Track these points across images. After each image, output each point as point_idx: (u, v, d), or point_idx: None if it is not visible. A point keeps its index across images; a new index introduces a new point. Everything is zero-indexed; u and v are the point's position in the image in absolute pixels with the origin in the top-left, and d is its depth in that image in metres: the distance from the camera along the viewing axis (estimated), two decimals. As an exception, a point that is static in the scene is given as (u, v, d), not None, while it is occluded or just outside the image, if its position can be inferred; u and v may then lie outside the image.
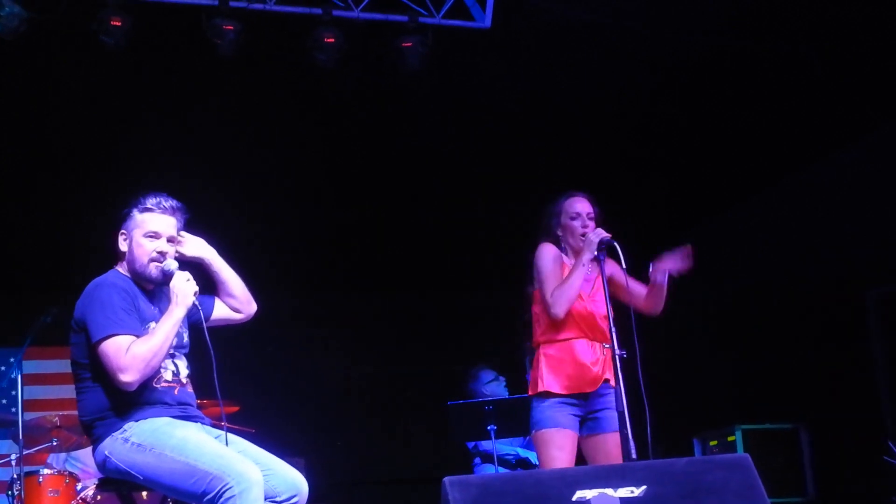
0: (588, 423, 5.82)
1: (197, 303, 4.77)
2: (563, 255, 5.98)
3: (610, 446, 5.74)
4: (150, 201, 4.90)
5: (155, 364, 4.67)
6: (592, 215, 5.96)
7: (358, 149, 9.41)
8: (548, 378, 5.81)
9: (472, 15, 8.29)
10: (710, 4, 7.96)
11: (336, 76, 8.22)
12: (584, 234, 5.86)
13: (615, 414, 5.43)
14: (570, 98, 9.01)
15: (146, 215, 4.89)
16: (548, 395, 5.78)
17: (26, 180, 9.09)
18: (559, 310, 5.77)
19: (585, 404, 5.80)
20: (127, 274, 4.88)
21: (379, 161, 9.57)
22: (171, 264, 4.85)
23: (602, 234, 5.73)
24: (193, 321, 4.95)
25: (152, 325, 4.73)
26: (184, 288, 4.74)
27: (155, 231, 4.87)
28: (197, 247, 5.03)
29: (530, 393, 5.91)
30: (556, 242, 6.00)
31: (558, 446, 5.69)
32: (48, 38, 7.66)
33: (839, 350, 8.74)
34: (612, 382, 5.65)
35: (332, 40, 7.91)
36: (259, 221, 9.90)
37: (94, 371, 4.70)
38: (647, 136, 9.34)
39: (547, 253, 5.92)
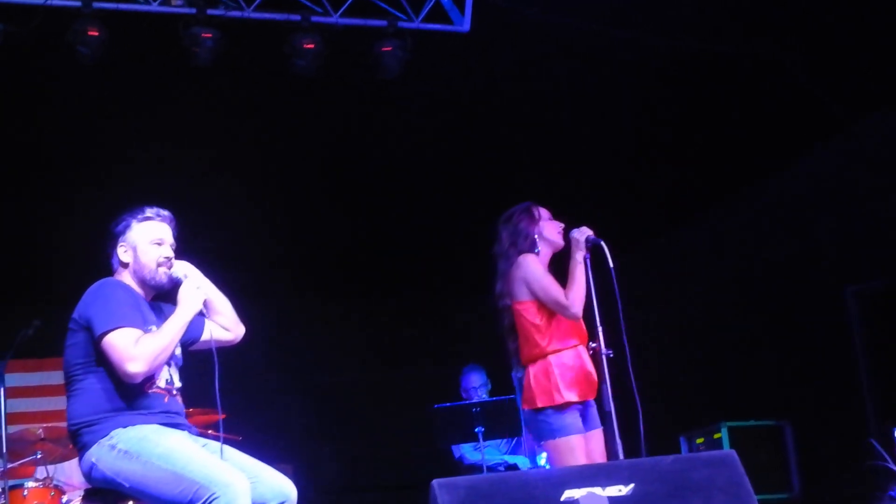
0: (585, 422, 5.84)
1: (205, 310, 4.86)
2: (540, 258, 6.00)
3: (592, 444, 5.76)
4: (148, 211, 4.97)
5: (161, 361, 4.70)
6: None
7: (340, 154, 9.40)
8: (565, 388, 5.77)
9: (451, 19, 8.30)
10: (685, 7, 7.99)
11: (316, 82, 8.22)
12: (563, 231, 5.88)
13: (596, 411, 5.45)
14: (549, 101, 9.02)
15: (147, 224, 4.94)
16: (567, 405, 5.77)
17: (8, 192, 9.05)
18: (577, 310, 5.79)
19: (585, 404, 5.84)
20: (127, 283, 4.89)
21: (360, 166, 9.57)
22: (179, 271, 4.90)
23: (587, 232, 5.76)
24: (187, 339, 4.97)
25: (153, 328, 4.75)
26: (193, 294, 4.80)
27: (160, 238, 4.93)
28: (184, 268, 5.01)
29: (541, 404, 5.80)
30: (530, 249, 5.99)
31: (580, 452, 5.68)
32: (24, 50, 7.64)
33: (823, 347, 8.76)
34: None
35: (312, 46, 7.91)
36: (240, 229, 9.88)
37: (92, 372, 4.70)
38: (626, 139, 9.35)
39: (534, 262, 5.91)
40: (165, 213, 5.01)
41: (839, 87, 8.34)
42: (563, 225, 5.95)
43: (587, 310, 5.79)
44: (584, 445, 5.73)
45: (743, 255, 9.72)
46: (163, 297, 5.05)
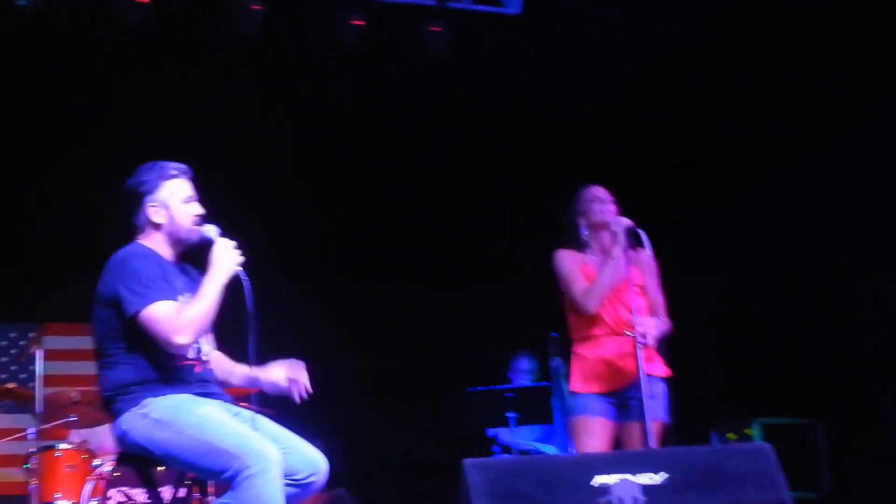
0: (624, 410, 5.82)
1: (244, 274, 4.73)
2: (582, 254, 5.99)
3: (627, 434, 5.75)
4: (172, 168, 4.88)
5: (205, 327, 4.69)
6: (608, 201, 5.97)
7: (374, 135, 9.38)
8: (577, 379, 5.86)
9: (501, 1, 8.26)
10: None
11: (359, 60, 8.20)
12: (604, 220, 5.86)
13: (652, 402, 5.46)
14: (593, 90, 8.99)
15: (175, 182, 4.86)
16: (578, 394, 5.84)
17: (43, 155, 9.09)
18: (592, 306, 5.80)
19: (621, 393, 5.80)
20: (150, 245, 4.84)
21: (393, 149, 9.54)
22: (210, 230, 4.83)
23: (625, 222, 5.73)
24: None
25: (181, 298, 4.70)
26: (228, 256, 4.71)
27: (190, 195, 4.87)
28: (213, 230, 4.91)
29: (568, 389, 6.00)
30: (574, 240, 6.01)
31: (591, 434, 5.72)
32: (68, 15, 7.66)
33: (859, 346, 8.70)
34: (654, 372, 5.70)
35: (360, 23, 7.90)
36: (280, 211, 9.89)
37: (122, 345, 4.67)
38: (666, 128, 9.31)
39: (562, 258, 5.97)
40: (186, 167, 4.92)
41: (862, 79, 8.27)
42: (605, 211, 5.91)
43: (623, 300, 5.76)
44: (597, 429, 5.74)
45: (777, 247, 9.65)
46: (186, 258, 4.98)
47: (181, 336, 4.54)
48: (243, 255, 4.74)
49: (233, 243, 4.75)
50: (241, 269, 4.72)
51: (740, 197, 9.92)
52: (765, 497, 3.98)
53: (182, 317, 4.55)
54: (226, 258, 4.69)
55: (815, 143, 8.94)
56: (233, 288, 4.71)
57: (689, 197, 9.92)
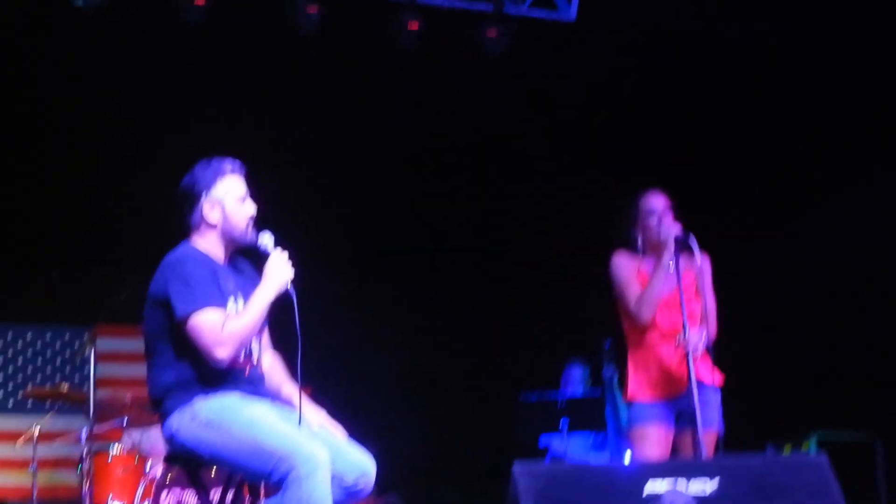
0: (682, 418, 5.74)
1: (291, 288, 4.69)
2: (639, 259, 5.93)
3: (683, 442, 5.70)
4: (227, 165, 4.86)
5: (247, 342, 4.66)
6: (666, 210, 5.88)
7: (430, 138, 9.36)
8: (634, 386, 5.80)
9: (556, 5, 8.23)
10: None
11: (415, 63, 8.20)
12: (657, 234, 5.80)
13: (707, 411, 5.40)
14: (646, 99, 8.94)
15: (230, 180, 4.83)
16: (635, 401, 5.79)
17: (97, 157, 9.14)
18: (645, 316, 5.75)
19: (677, 401, 5.72)
20: (204, 245, 4.82)
21: (451, 149, 9.51)
22: (266, 239, 4.79)
23: (675, 230, 5.67)
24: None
25: (231, 301, 4.69)
26: (280, 270, 4.67)
27: (244, 194, 4.85)
28: (267, 238, 4.86)
29: (624, 398, 5.98)
30: (631, 245, 5.96)
31: (651, 442, 5.67)
32: (126, 14, 7.70)
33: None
34: (707, 380, 5.63)
35: (416, 27, 7.89)
36: (333, 209, 9.89)
37: (170, 345, 4.65)
38: (724, 137, 9.23)
39: (619, 263, 5.92)
40: (240, 164, 4.89)
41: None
42: (658, 226, 5.84)
43: (675, 309, 5.70)
44: (656, 438, 5.67)
45: (838, 260, 9.54)
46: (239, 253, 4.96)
47: (222, 349, 4.52)
48: (295, 266, 4.71)
49: (286, 255, 4.72)
50: (291, 285, 4.68)
51: (812, 209, 9.81)
52: (820, 508, 3.91)
53: (225, 330, 4.52)
54: (278, 272, 4.66)
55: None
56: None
57: (754, 212, 9.82)
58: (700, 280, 5.81)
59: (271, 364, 4.94)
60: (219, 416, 4.54)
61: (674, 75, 8.77)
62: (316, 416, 4.79)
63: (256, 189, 4.92)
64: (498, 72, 8.36)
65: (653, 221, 5.85)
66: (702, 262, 5.68)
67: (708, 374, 5.67)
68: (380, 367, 10.28)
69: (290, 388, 4.89)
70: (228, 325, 4.54)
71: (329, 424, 4.78)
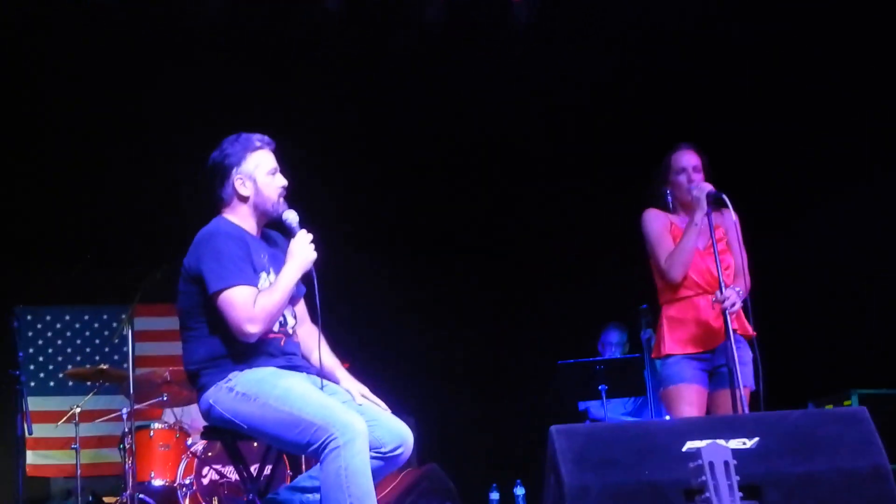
0: (714, 378, 5.72)
1: (313, 271, 4.72)
2: (670, 215, 5.91)
3: (719, 401, 5.66)
4: (256, 139, 4.87)
5: (276, 318, 4.68)
6: (699, 167, 5.84)
7: (456, 109, 9.32)
8: (670, 340, 5.76)
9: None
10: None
11: (442, 34, 8.17)
12: (689, 188, 5.77)
13: (741, 368, 5.36)
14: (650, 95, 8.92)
15: (260, 154, 4.86)
16: (670, 356, 5.74)
17: (131, 137, 9.17)
18: (675, 274, 5.72)
19: (712, 358, 5.70)
20: (236, 219, 4.83)
21: (482, 120, 9.48)
22: (291, 217, 4.82)
23: (707, 187, 5.64)
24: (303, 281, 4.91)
25: (263, 275, 4.71)
26: (304, 251, 4.71)
27: (275, 167, 4.87)
28: (293, 216, 4.90)
29: (653, 356, 5.92)
30: (662, 203, 5.94)
31: (688, 402, 5.63)
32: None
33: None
34: (740, 331, 5.59)
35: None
36: (368, 184, 9.89)
37: (205, 320, 4.68)
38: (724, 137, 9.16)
39: (651, 220, 5.89)
40: (269, 139, 4.92)
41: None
42: (689, 184, 5.81)
43: (709, 265, 5.69)
44: (693, 397, 5.64)
45: (881, 226, 9.45)
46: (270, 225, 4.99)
47: (253, 325, 4.54)
48: (319, 248, 4.75)
49: (310, 237, 4.75)
50: (313, 267, 4.73)
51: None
52: (861, 462, 3.85)
53: (257, 306, 4.55)
54: (302, 252, 4.70)
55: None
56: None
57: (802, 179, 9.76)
58: (731, 236, 5.78)
59: (311, 338, 4.94)
60: (255, 389, 4.55)
61: (675, 76, 8.74)
62: (358, 388, 4.79)
63: (285, 166, 4.95)
64: (523, 41, 8.31)
65: (683, 179, 5.82)
66: (733, 218, 5.63)
67: (743, 328, 5.63)
68: (417, 338, 10.27)
69: (330, 361, 4.90)
70: (259, 301, 4.56)
71: (371, 397, 4.78)
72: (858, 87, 8.49)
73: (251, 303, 4.53)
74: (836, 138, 8.93)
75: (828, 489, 3.79)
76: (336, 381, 4.82)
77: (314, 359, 4.88)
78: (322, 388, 4.69)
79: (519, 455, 9.09)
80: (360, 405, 4.67)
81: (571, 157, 9.67)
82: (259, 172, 4.81)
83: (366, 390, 4.81)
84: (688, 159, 5.86)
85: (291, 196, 4.91)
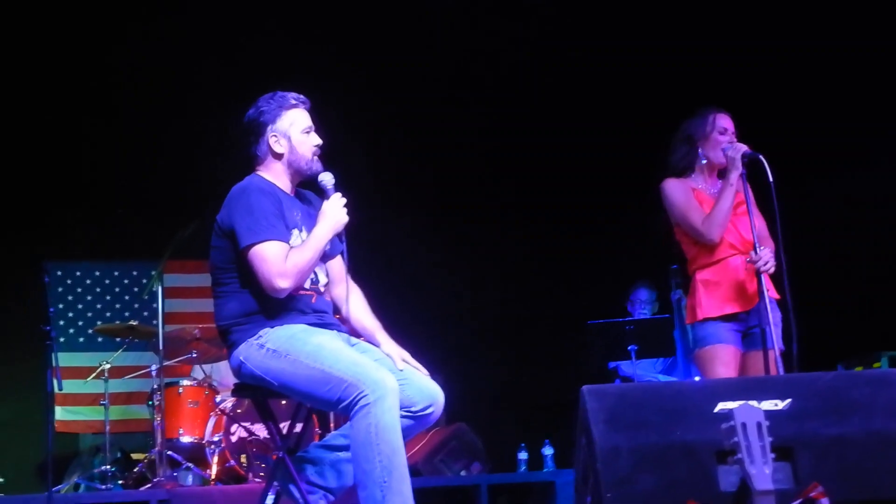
0: (747, 339, 5.69)
1: (342, 234, 4.74)
2: (688, 180, 5.86)
3: (751, 363, 5.63)
4: (291, 98, 4.88)
5: (307, 274, 4.69)
6: (733, 130, 5.81)
7: (494, 62, 9.29)
8: (707, 304, 5.69)
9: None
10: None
11: None
12: (725, 151, 5.71)
13: (773, 330, 5.35)
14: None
15: (295, 112, 4.86)
16: (707, 320, 5.69)
17: (162, 95, 9.19)
18: (714, 235, 5.65)
19: (746, 319, 5.67)
20: (270, 176, 4.84)
21: (518, 75, 9.44)
22: (326, 179, 4.83)
23: (742, 148, 5.60)
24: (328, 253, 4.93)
25: (296, 232, 4.72)
26: (337, 213, 4.71)
27: (309, 125, 4.87)
28: (328, 177, 4.90)
29: (688, 321, 5.86)
30: (677, 171, 5.89)
31: (723, 362, 5.58)
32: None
33: None
34: (773, 293, 5.55)
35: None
36: (401, 145, 9.88)
37: (237, 275, 4.69)
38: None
39: (673, 189, 5.83)
40: (304, 98, 4.92)
41: None
42: (727, 141, 5.76)
43: (742, 221, 5.65)
44: (728, 358, 5.60)
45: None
46: (304, 184, 5.00)
47: (284, 280, 4.54)
48: (352, 210, 4.75)
49: (344, 200, 4.75)
50: (344, 230, 4.74)
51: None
52: (892, 425, 3.84)
53: (289, 261, 4.56)
54: (335, 214, 4.71)
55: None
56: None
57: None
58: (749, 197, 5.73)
59: (353, 298, 4.94)
60: (286, 345, 4.56)
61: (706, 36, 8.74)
62: (398, 353, 4.79)
63: (320, 125, 4.95)
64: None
65: (725, 139, 5.77)
66: (770, 180, 5.57)
67: (774, 293, 5.60)
68: (446, 297, 10.26)
69: (371, 323, 4.90)
70: (291, 256, 4.57)
71: (412, 362, 4.78)
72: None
73: (282, 258, 4.54)
74: (870, 95, 8.88)
75: (860, 451, 3.79)
76: (376, 344, 4.82)
77: (354, 318, 4.90)
78: (353, 345, 4.70)
79: (548, 415, 9.07)
80: (392, 364, 4.66)
81: (605, 113, 9.61)
82: (294, 130, 4.83)
83: (406, 355, 4.80)
84: (726, 121, 5.82)
85: (325, 157, 4.93)
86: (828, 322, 8.88)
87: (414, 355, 4.86)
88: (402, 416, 4.45)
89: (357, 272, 4.92)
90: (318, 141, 4.87)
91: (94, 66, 8.99)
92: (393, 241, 9.55)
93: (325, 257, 4.87)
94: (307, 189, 5.02)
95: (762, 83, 9.09)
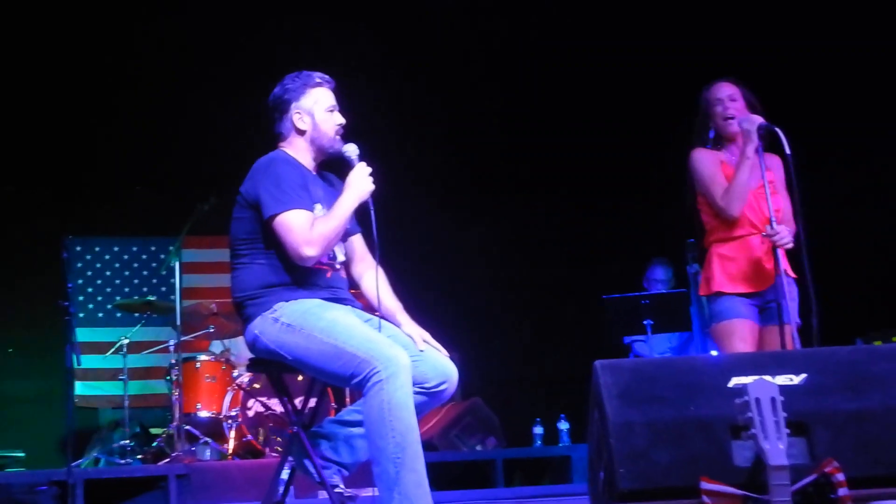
0: (764, 314, 5.65)
1: (371, 202, 4.72)
2: (719, 153, 5.80)
3: (769, 338, 5.59)
4: (317, 76, 4.92)
5: (333, 244, 4.71)
6: (735, 96, 5.73)
7: (517, 46, 9.27)
8: (721, 278, 5.65)
9: None
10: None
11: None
12: (726, 119, 5.67)
13: (790, 305, 5.32)
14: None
15: (319, 91, 4.90)
16: (721, 294, 5.65)
17: (181, 72, 9.19)
18: (734, 210, 5.59)
19: (762, 294, 5.62)
20: (293, 153, 4.86)
21: (528, 62, 9.42)
22: (351, 150, 4.84)
23: (758, 120, 5.51)
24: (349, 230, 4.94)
25: (318, 206, 4.72)
26: (363, 182, 4.71)
27: (333, 104, 4.91)
28: (353, 149, 4.90)
29: (701, 293, 5.82)
30: (704, 140, 5.83)
31: (741, 337, 5.54)
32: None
33: None
34: (790, 271, 5.53)
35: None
36: (416, 131, 9.89)
37: (256, 248, 4.71)
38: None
39: (700, 159, 5.76)
40: (329, 77, 4.95)
41: None
42: (724, 112, 5.71)
43: (759, 201, 5.59)
44: (746, 332, 5.56)
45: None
46: (327, 166, 5.01)
47: (310, 248, 4.55)
48: (377, 182, 4.75)
49: (369, 169, 4.76)
50: (371, 198, 4.72)
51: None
52: (912, 400, 3.81)
53: (315, 230, 4.57)
54: (360, 182, 4.70)
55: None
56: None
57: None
58: (776, 176, 5.68)
59: (375, 278, 4.90)
60: (301, 320, 4.56)
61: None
62: (419, 333, 4.78)
63: (344, 104, 4.97)
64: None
65: (718, 109, 5.72)
66: (787, 151, 5.51)
67: (791, 269, 5.56)
68: (463, 275, 10.26)
69: (392, 304, 4.89)
70: (317, 226, 4.59)
71: (432, 342, 4.77)
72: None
73: (308, 226, 4.57)
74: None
75: (878, 427, 3.75)
76: (397, 324, 4.81)
77: (374, 298, 4.88)
78: (367, 321, 4.69)
79: (563, 390, 9.07)
80: (405, 340, 4.65)
81: (621, 91, 9.58)
82: (318, 108, 4.87)
83: (427, 335, 4.79)
84: (723, 90, 5.75)
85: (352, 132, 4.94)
86: (846, 297, 8.85)
87: (430, 331, 4.85)
88: (416, 393, 4.45)
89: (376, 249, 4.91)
90: (342, 120, 4.90)
91: (114, 42, 9.00)
92: (409, 219, 9.54)
93: (344, 235, 4.87)
94: (329, 171, 5.03)
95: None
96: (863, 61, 8.97)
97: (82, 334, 9.21)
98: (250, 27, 8.83)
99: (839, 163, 9.37)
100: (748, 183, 5.56)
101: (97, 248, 10.11)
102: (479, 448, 8.45)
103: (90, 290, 9.97)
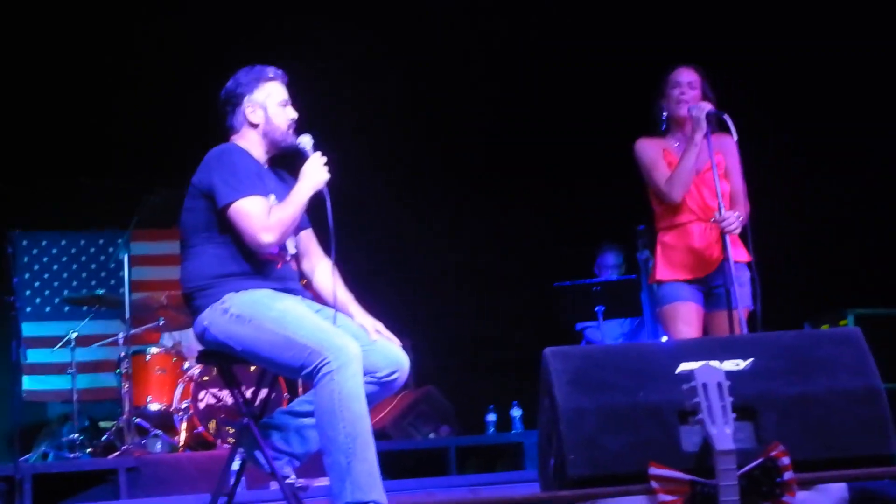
0: (711, 299, 5.72)
1: (326, 191, 4.71)
2: (662, 140, 5.87)
3: (716, 323, 5.66)
4: (269, 71, 4.92)
5: (290, 232, 4.71)
6: (695, 84, 5.78)
7: (472, 34, 9.29)
8: (662, 266, 5.76)
9: None
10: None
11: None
12: (680, 101, 5.74)
13: (739, 290, 5.38)
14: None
15: (272, 85, 4.90)
16: (664, 282, 5.75)
17: (130, 62, 9.12)
18: (676, 195, 5.67)
19: (707, 279, 5.69)
20: (245, 146, 4.84)
21: (486, 48, 9.43)
22: (305, 141, 4.85)
23: (706, 106, 5.59)
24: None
25: (272, 197, 4.71)
26: (318, 171, 4.70)
27: (286, 99, 4.90)
28: (307, 140, 4.90)
29: (649, 281, 5.96)
30: (657, 129, 5.89)
31: (684, 320, 5.62)
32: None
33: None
34: (739, 259, 5.58)
35: None
36: (373, 116, 9.86)
37: (206, 237, 4.68)
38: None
39: (643, 147, 5.85)
40: (282, 72, 4.95)
41: None
42: (680, 97, 5.75)
43: (708, 186, 5.64)
44: (690, 315, 5.63)
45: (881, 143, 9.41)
46: (278, 163, 5.01)
47: (268, 234, 4.54)
48: (332, 171, 4.74)
49: (324, 159, 4.75)
50: (326, 187, 4.71)
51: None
52: (855, 383, 3.86)
53: (272, 216, 4.57)
54: (315, 172, 4.70)
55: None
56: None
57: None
58: (729, 159, 5.73)
59: (324, 271, 4.93)
60: (250, 311, 4.54)
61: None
62: (371, 324, 4.79)
63: (297, 95, 4.98)
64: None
65: (675, 92, 5.78)
66: (731, 142, 5.58)
67: (738, 252, 5.60)
68: (411, 260, 10.25)
69: (344, 296, 4.89)
70: (274, 213, 4.59)
71: (385, 332, 4.78)
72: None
73: (265, 213, 4.57)
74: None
75: (822, 410, 3.81)
76: (350, 316, 4.81)
77: (328, 293, 4.88)
78: (317, 311, 4.69)
79: (516, 377, 9.09)
80: (356, 330, 4.65)
81: (572, 78, 9.60)
82: (270, 102, 4.86)
83: (380, 325, 4.79)
84: (684, 75, 5.81)
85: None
86: (795, 280, 8.92)
87: (382, 320, 4.85)
88: (367, 382, 4.45)
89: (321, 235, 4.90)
90: (294, 115, 4.90)
91: (60, 28, 8.92)
92: (358, 205, 9.52)
93: (296, 229, 4.87)
94: (280, 168, 5.03)
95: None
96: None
97: (30, 329, 9.21)
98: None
99: (789, 142, 9.45)
100: (692, 168, 5.62)
101: (44, 243, 10.02)
102: (432, 436, 8.47)
103: (37, 284, 9.88)
